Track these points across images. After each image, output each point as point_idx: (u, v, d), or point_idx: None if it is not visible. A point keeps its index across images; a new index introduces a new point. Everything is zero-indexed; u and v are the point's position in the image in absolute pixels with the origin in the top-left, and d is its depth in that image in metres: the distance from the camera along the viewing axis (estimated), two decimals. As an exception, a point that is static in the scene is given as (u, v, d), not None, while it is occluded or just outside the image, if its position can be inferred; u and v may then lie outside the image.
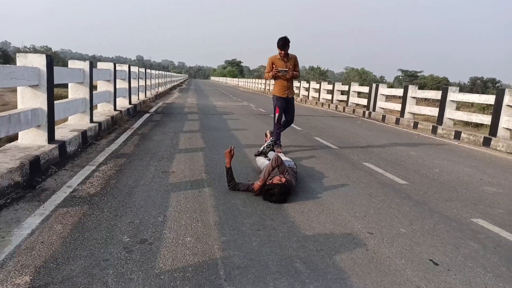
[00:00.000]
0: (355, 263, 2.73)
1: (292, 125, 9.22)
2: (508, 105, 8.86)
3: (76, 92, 6.90)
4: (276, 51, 6.33)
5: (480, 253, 3.03)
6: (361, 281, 2.50)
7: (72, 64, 6.99)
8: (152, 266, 2.55)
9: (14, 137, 5.17)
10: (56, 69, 5.37)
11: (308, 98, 22.48)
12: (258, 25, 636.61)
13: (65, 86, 7.34)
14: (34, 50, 53.87)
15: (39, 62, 4.87)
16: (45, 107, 4.95)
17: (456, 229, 3.51)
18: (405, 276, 2.59)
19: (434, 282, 2.54)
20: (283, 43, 6.16)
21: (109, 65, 9.26)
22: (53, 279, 2.33)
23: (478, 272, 2.72)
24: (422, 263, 2.79)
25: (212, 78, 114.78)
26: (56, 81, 5.30)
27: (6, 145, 4.88)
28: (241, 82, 58.53)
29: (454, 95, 10.90)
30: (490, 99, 9.78)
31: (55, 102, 5.42)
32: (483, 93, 36.11)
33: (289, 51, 6.31)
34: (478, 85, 59.80)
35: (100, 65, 9.24)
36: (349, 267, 2.68)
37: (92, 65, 7.23)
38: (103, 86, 9.03)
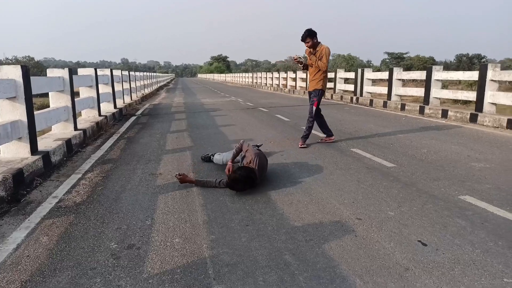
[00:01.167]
0: (344, 250, 2.73)
1: (279, 116, 9.18)
2: (492, 80, 8.92)
3: (58, 100, 6.81)
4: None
5: (468, 230, 3.05)
6: (350, 267, 2.50)
7: (51, 72, 6.88)
8: (140, 271, 2.53)
9: None
10: (33, 79, 5.28)
11: (295, 88, 22.46)
12: (242, 17, 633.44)
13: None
14: (17, 61, 53.00)
15: (15, 73, 4.79)
16: (24, 118, 4.87)
17: (444, 208, 3.52)
18: (394, 259, 2.60)
19: (422, 263, 2.55)
20: (302, 36, 6.17)
21: (90, 71, 9.14)
22: (39, 292, 2.30)
23: (466, 249, 2.73)
24: (410, 245, 2.80)
25: (199, 75, 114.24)
26: (34, 91, 5.22)
27: (-12, 160, 4.80)
28: (228, 77, 58.34)
29: (438, 74, 10.95)
30: (474, 75, 9.83)
31: (36, 112, 5.35)
32: (469, 69, 36.37)
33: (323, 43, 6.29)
34: (464, 62, 60.12)
35: (81, 71, 9.12)
36: (338, 254, 2.68)
37: (72, 72, 7.13)
38: (85, 92, 8.93)
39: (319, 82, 6.40)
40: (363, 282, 2.33)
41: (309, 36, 6.15)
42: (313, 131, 7.12)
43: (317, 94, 6.43)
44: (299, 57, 6.40)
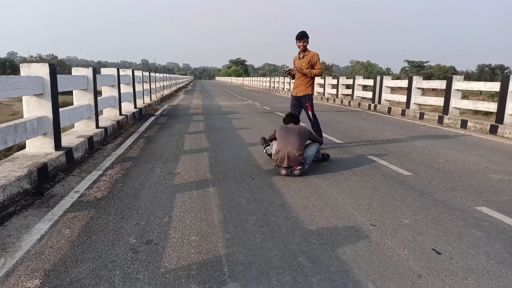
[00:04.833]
0: (357, 255, 2.76)
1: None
2: (513, 91, 8.77)
3: (81, 98, 7.01)
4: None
5: (483, 240, 3.04)
6: (363, 272, 2.53)
7: (76, 71, 7.09)
8: (157, 265, 2.61)
9: (23, 146, 5.27)
10: (60, 77, 5.46)
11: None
12: (262, 22, 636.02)
13: (72, 93, 7.44)
14: (40, 59, 54.41)
15: (43, 71, 4.96)
16: (50, 115, 5.04)
17: (459, 217, 3.51)
18: (407, 266, 2.62)
19: (436, 270, 2.56)
20: (300, 35, 6.27)
21: (113, 71, 9.36)
22: (62, 281, 2.41)
23: (481, 259, 2.73)
24: (424, 253, 2.81)
25: (217, 78, 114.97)
26: (60, 89, 5.40)
27: (14, 154, 4.98)
28: (246, 81, 58.56)
29: (459, 84, 10.83)
30: (495, 86, 9.69)
31: (60, 109, 5.52)
32: (491, 80, 35.70)
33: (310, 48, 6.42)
34: (486, 73, 59.13)
35: (104, 71, 9.35)
36: (351, 259, 2.71)
37: (96, 72, 7.32)
38: (107, 92, 9.14)
39: (308, 88, 6.51)
40: (375, 287, 2.36)
41: (306, 36, 6.26)
42: (325, 135, 7.13)
43: (309, 99, 6.54)
44: (291, 69, 6.53)
